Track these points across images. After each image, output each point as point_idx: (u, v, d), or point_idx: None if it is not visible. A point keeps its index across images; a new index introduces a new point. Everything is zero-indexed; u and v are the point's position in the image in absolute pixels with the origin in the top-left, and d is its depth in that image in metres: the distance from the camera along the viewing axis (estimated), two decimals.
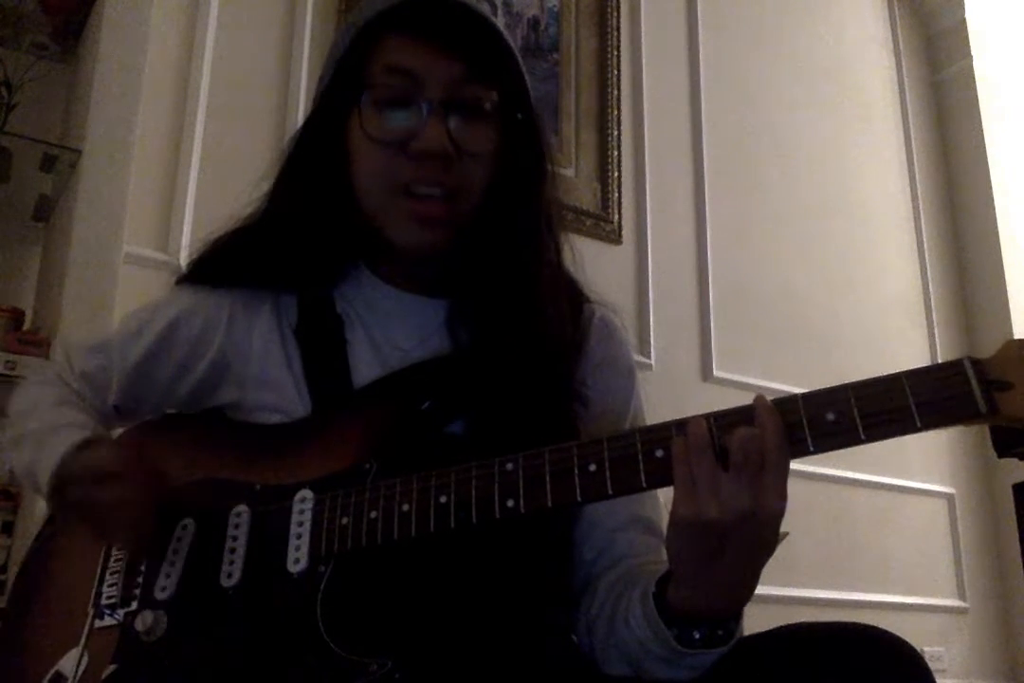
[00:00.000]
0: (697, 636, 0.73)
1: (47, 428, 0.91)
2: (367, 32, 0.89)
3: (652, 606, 0.74)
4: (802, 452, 0.68)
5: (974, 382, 0.65)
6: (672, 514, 0.71)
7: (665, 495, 0.76)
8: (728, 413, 0.71)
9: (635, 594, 0.78)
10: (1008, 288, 3.55)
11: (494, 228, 0.92)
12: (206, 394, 0.97)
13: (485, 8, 0.91)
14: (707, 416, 0.70)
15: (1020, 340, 0.66)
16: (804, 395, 0.69)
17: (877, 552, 3.11)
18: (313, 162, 0.94)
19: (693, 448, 0.69)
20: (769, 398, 0.70)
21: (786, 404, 0.69)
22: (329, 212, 0.93)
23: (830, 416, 0.67)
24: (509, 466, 0.75)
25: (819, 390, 0.69)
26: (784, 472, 0.68)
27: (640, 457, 0.71)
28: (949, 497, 3.39)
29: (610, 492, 0.72)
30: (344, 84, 0.91)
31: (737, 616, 0.73)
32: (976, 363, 0.65)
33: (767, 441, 0.67)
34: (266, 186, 0.97)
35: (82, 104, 1.92)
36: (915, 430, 0.67)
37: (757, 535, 0.69)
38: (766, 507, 0.67)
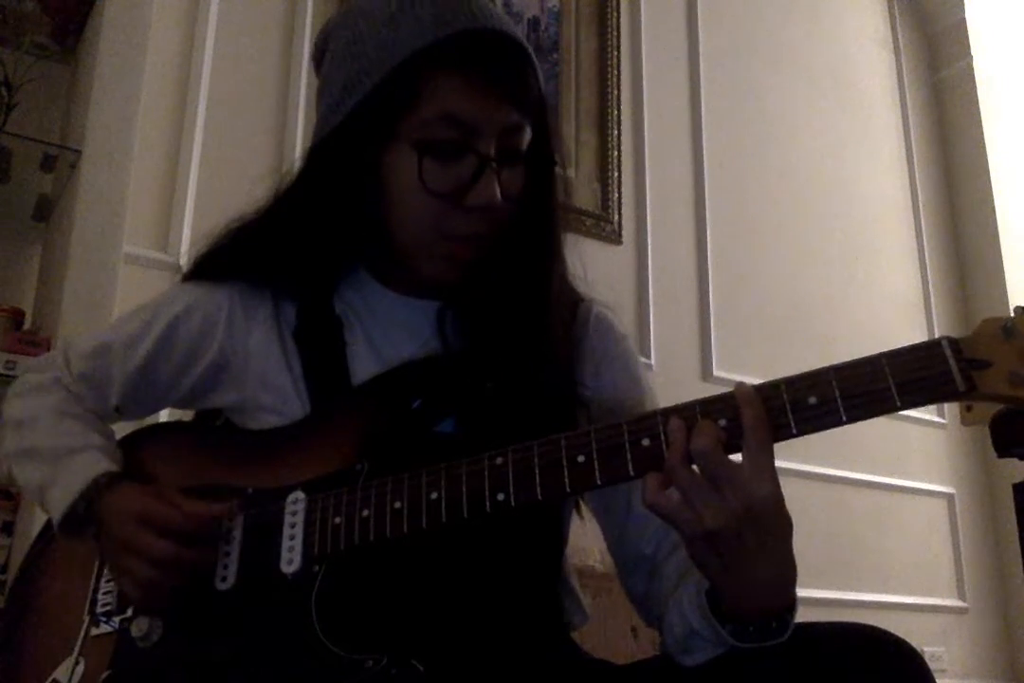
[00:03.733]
0: (751, 629, 0.73)
1: (58, 449, 0.90)
2: (411, 64, 0.83)
3: (707, 607, 0.75)
4: (786, 435, 0.70)
5: (952, 361, 0.66)
6: (681, 535, 0.72)
7: None
8: (710, 401, 0.72)
9: (690, 590, 0.79)
10: (1008, 288, 3.55)
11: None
12: (206, 393, 0.98)
13: (520, 32, 0.87)
14: (690, 406, 0.72)
15: (997, 318, 0.67)
16: (786, 380, 0.70)
17: (877, 552, 3.11)
18: (334, 179, 0.90)
19: (670, 463, 0.70)
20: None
21: (769, 389, 0.70)
22: (342, 225, 0.92)
23: (812, 400, 0.69)
24: (499, 460, 0.76)
25: (801, 374, 0.70)
26: (768, 457, 0.69)
27: (627, 446, 0.72)
28: (949, 497, 3.39)
29: (599, 482, 0.73)
30: (383, 115, 0.85)
31: (790, 607, 0.73)
32: (954, 342, 0.67)
33: (747, 428, 0.69)
34: (266, 186, 0.96)
35: (82, 104, 1.92)
36: (895, 409, 0.68)
37: (764, 524, 0.69)
38: (757, 497, 0.68)
